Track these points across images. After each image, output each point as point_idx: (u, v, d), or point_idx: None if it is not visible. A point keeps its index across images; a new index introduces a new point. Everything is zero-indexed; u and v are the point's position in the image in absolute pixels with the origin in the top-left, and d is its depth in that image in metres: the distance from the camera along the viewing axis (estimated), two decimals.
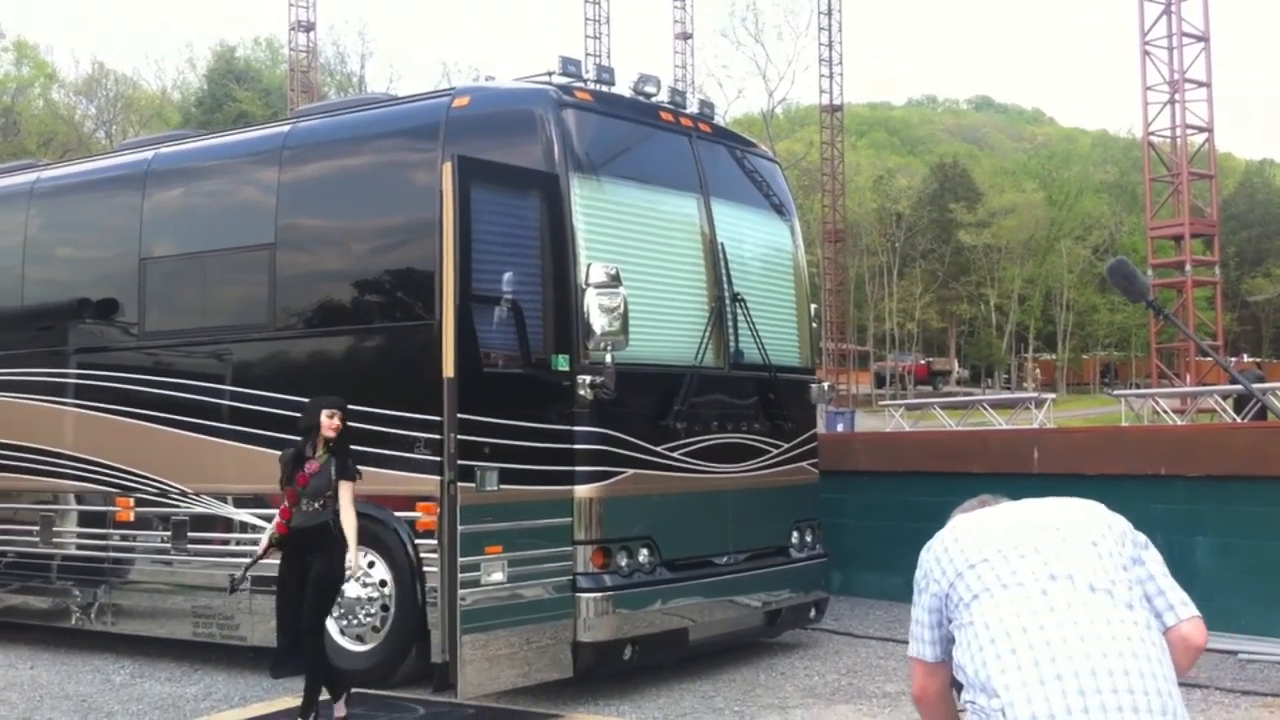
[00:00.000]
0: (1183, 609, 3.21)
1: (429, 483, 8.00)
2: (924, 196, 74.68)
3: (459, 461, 7.36)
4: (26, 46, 57.31)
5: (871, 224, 68.92)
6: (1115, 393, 12.61)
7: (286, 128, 9.82)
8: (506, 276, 7.91)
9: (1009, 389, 61.84)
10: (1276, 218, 73.01)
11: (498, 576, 7.37)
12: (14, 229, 10.77)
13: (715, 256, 8.79)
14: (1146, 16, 25.69)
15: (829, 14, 49.83)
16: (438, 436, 7.98)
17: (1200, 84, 25.62)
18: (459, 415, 7.37)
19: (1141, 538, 3.30)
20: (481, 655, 7.23)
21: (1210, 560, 9.63)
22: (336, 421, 7.18)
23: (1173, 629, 3.19)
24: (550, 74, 8.60)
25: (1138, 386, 31.72)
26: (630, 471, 7.89)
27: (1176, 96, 25.48)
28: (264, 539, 7.51)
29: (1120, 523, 3.28)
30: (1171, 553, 9.62)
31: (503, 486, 7.47)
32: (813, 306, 10.26)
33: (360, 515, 8.23)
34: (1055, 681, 2.91)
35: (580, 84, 8.60)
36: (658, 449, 8.11)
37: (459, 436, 7.37)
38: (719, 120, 10.70)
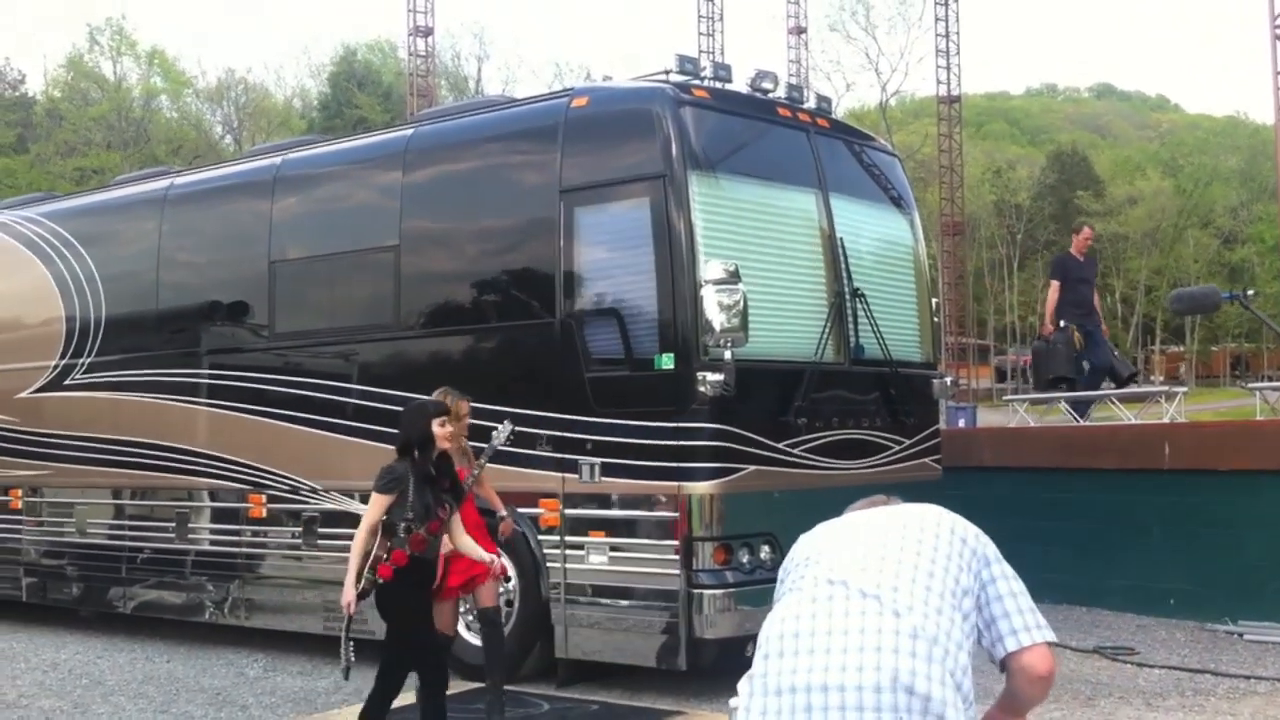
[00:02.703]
0: (1025, 635, 3.05)
1: (551, 479, 8.09)
2: (1043, 187, 73.24)
3: (562, 456, 8.02)
4: (161, 56, 58.99)
5: (990, 216, 67.85)
6: (1249, 385, 12.22)
7: (409, 131, 9.99)
8: (622, 280, 8.10)
9: (1137, 383, 60.35)
10: None
11: (599, 559, 7.91)
12: (149, 234, 11.11)
13: (835, 251, 8.72)
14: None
15: (945, 4, 49.14)
16: (559, 434, 8.08)
17: None
18: (562, 415, 8.00)
19: (996, 553, 3.14)
20: (580, 623, 7.86)
21: None
22: (450, 428, 6.37)
23: (1012, 655, 3.03)
24: (667, 72, 8.61)
25: (1269, 379, 30.75)
26: (752, 468, 7.87)
27: None
28: (351, 589, 6.10)
29: (972, 538, 3.13)
30: None
31: (605, 479, 7.88)
32: (934, 301, 10.12)
33: (483, 512, 8.37)
34: (789, 694, 2.86)
35: (697, 82, 8.60)
36: (779, 445, 8.07)
37: (564, 434, 8.01)
38: (835, 114, 10.62)
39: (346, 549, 9.18)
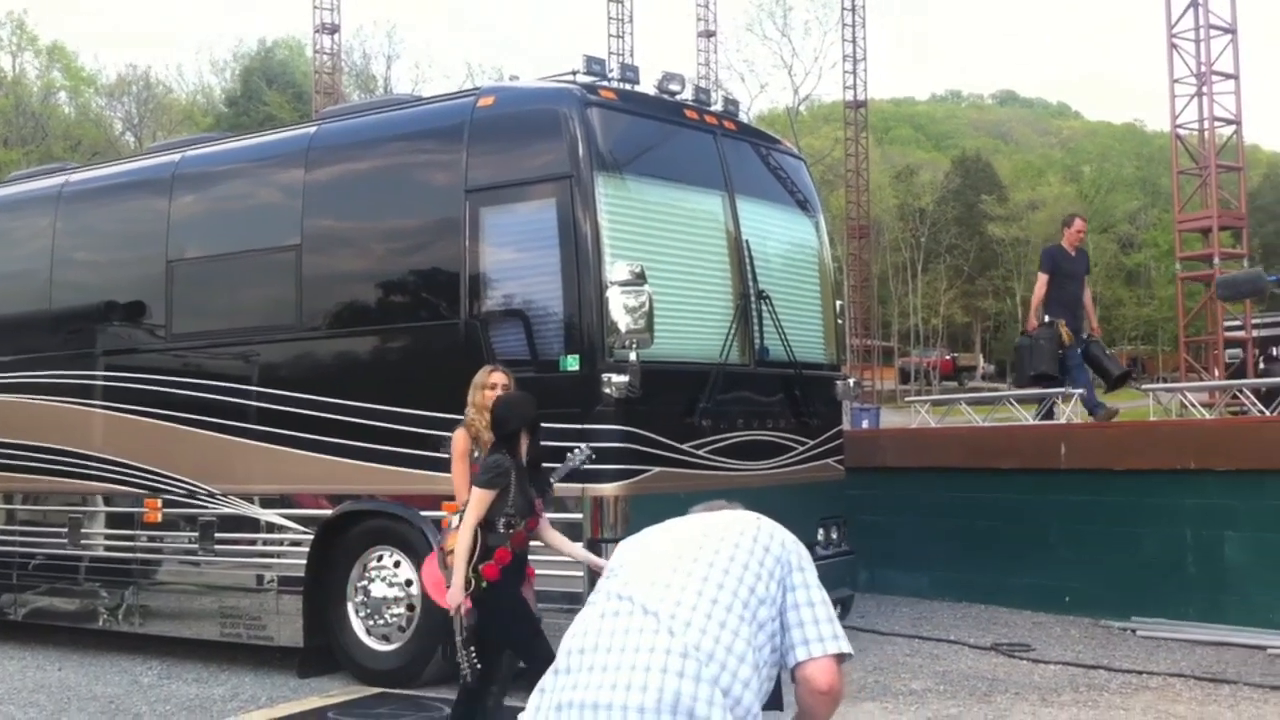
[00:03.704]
0: (816, 646, 3.00)
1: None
2: (947, 192, 74.44)
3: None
4: (61, 51, 57.65)
5: (895, 220, 68.76)
6: (1144, 387, 12.50)
7: (312, 129, 9.86)
8: (527, 281, 8.06)
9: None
10: None
11: None
12: (43, 232, 10.83)
13: (741, 254, 8.76)
14: (1173, 9, 25.53)
15: (853, 10, 49.70)
16: None
17: (1228, 76, 25.43)
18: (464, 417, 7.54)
19: (801, 561, 3.11)
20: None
21: (1240, 555, 9.55)
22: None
23: (797, 667, 3.00)
24: (575, 73, 8.58)
25: (1165, 380, 31.45)
26: (657, 469, 7.88)
27: (1204, 89, 25.30)
28: (460, 592, 5.91)
29: (777, 546, 3.10)
30: (1201, 548, 9.65)
31: None
32: (838, 303, 10.23)
33: (384, 515, 8.29)
34: (566, 710, 2.87)
35: (605, 83, 8.59)
36: (684, 446, 8.09)
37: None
38: (743, 117, 10.68)
39: (245, 554, 9.20)
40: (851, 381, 10.23)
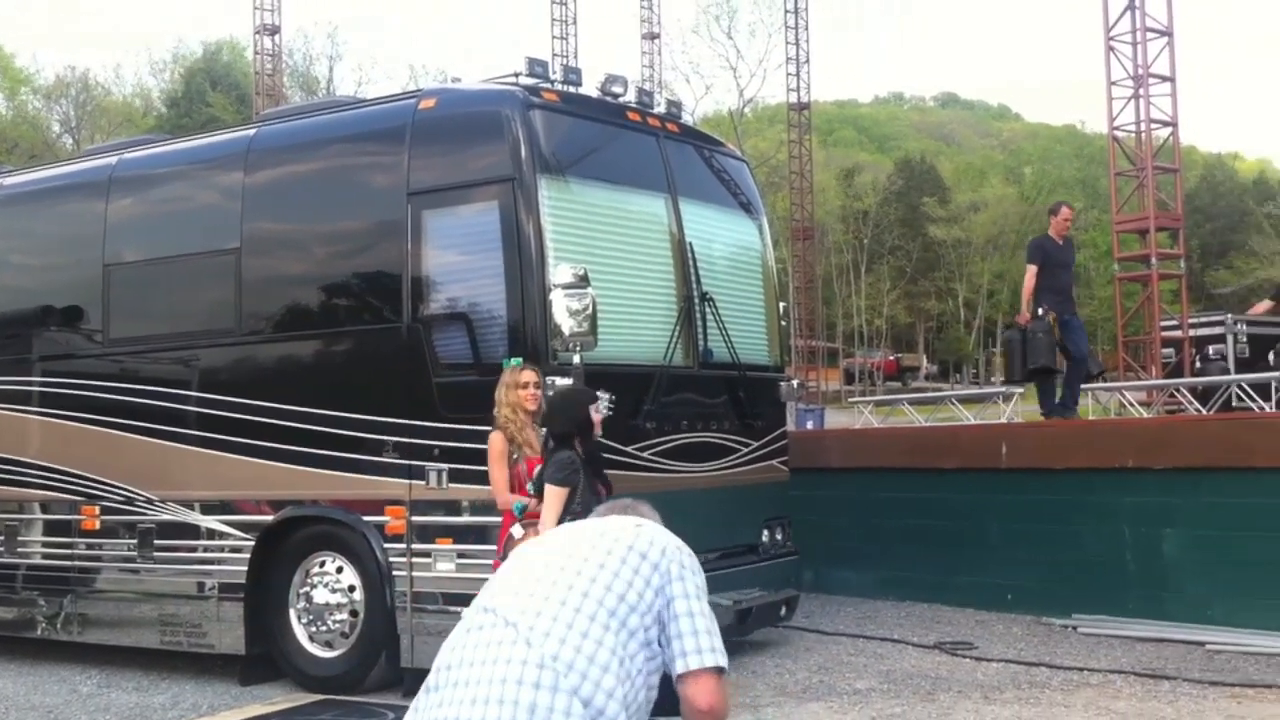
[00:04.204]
0: (694, 659, 2.94)
1: (397, 486, 7.98)
2: (890, 193, 74.98)
3: (409, 462, 7.89)
4: None
5: (838, 221, 69.16)
6: (1082, 386, 12.65)
7: (251, 131, 9.77)
8: (470, 284, 8.06)
9: (977, 384, 62.20)
10: (1239, 210, 73.58)
11: (446, 566, 7.83)
12: None
13: (684, 256, 8.78)
14: (1111, 12, 25.83)
15: (795, 12, 49.91)
16: (406, 440, 7.99)
17: (1164, 78, 25.76)
18: (409, 421, 7.95)
19: (682, 571, 3.04)
20: (428, 631, 7.70)
21: (1179, 552, 9.69)
22: (602, 414, 6.27)
23: (679, 680, 2.95)
24: (517, 75, 8.56)
25: (1104, 380, 31.83)
26: None
27: (1141, 91, 25.61)
28: None
29: (657, 553, 3.03)
30: (1140, 546, 9.77)
31: (453, 485, 7.79)
32: (781, 304, 10.27)
33: (326, 520, 8.23)
34: None
35: (547, 85, 8.57)
36: (628, 449, 8.09)
37: (411, 440, 7.93)
38: (687, 119, 10.70)
39: (185, 561, 9.08)
40: (795, 383, 10.28)
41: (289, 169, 9.25)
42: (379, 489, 8.08)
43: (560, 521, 5.80)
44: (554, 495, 5.82)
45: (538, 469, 6.37)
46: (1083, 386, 12.79)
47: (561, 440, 5.98)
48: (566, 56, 45.54)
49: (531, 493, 6.34)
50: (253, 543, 8.63)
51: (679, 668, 2.94)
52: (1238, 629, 9.07)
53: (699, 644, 2.95)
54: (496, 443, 7.00)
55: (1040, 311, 11.68)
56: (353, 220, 8.78)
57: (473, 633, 2.94)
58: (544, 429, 6.88)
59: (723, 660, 2.98)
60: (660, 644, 2.98)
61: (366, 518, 8.12)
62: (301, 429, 8.47)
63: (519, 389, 7.02)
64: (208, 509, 8.97)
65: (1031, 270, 11.99)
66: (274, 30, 47.56)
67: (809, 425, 26.58)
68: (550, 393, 7.17)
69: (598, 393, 6.90)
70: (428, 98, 8.70)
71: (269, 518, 8.62)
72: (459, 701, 2.81)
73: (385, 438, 8.10)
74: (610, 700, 2.80)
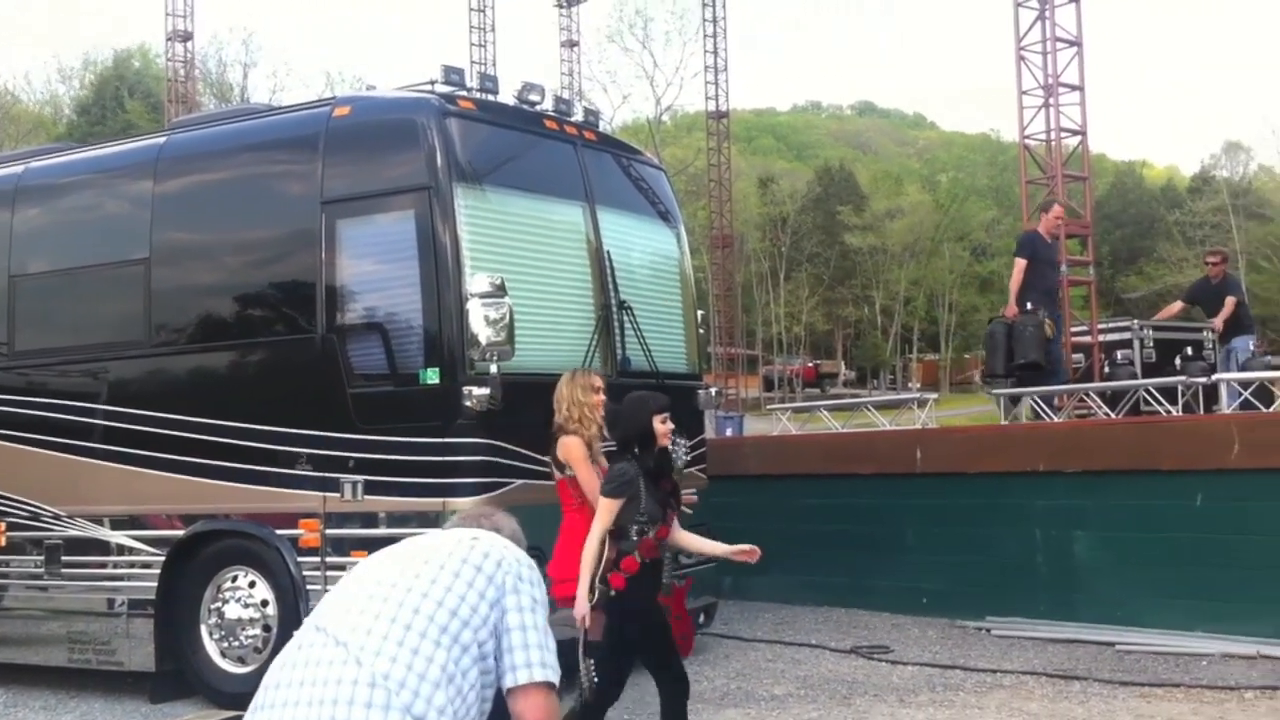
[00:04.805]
0: (523, 673, 2.94)
1: (311, 499, 7.90)
2: (808, 201, 75.68)
3: (323, 474, 7.76)
4: None
5: (757, 229, 69.63)
6: (992, 391, 12.84)
7: (162, 139, 9.61)
8: (385, 294, 7.99)
9: (894, 389, 62.92)
10: (1148, 217, 75.22)
11: None
12: None
13: (601, 264, 8.78)
14: (1022, 22, 26.26)
15: (714, 21, 50.19)
16: (320, 452, 7.90)
17: (1074, 88, 26.21)
18: (323, 432, 7.79)
19: (518, 584, 3.03)
20: None
21: (1089, 554, 9.87)
22: (670, 425, 5.99)
23: (509, 694, 2.95)
24: (433, 83, 8.52)
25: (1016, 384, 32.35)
26: (519, 482, 7.82)
27: (1051, 100, 26.05)
28: (585, 602, 5.70)
29: (492, 566, 3.02)
30: (1051, 548, 9.93)
31: (368, 497, 7.68)
32: (700, 312, 10.31)
33: (238, 534, 8.11)
34: None
35: (463, 93, 8.54)
36: (544, 458, 8.04)
37: (325, 452, 7.81)
38: (605, 127, 10.72)
39: (94, 578, 8.89)
40: (713, 391, 10.32)
41: (200, 177, 9.11)
42: (292, 502, 7.98)
43: (629, 534, 5.72)
44: (605, 506, 5.71)
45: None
46: (993, 391, 12.97)
47: (621, 448, 5.87)
48: (485, 64, 45.38)
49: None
50: (163, 558, 8.49)
51: (508, 681, 2.93)
52: (1146, 629, 9.26)
53: (529, 658, 2.94)
54: (576, 447, 6.64)
55: (1029, 307, 11.53)
56: (265, 229, 8.67)
57: (303, 650, 2.91)
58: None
59: (554, 675, 2.97)
60: (495, 658, 2.96)
61: (280, 531, 8.02)
62: (213, 442, 8.34)
63: (594, 392, 6.78)
64: (117, 524, 8.80)
65: (1020, 264, 11.79)
66: (186, 36, 46.84)
67: (728, 432, 26.74)
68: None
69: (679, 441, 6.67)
70: (342, 105, 8.63)
71: (180, 532, 8.48)
72: None
73: (299, 450, 8.00)
74: (442, 716, 2.78)
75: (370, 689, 2.75)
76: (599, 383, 6.90)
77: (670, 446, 6.39)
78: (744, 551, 5.93)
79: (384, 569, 3.06)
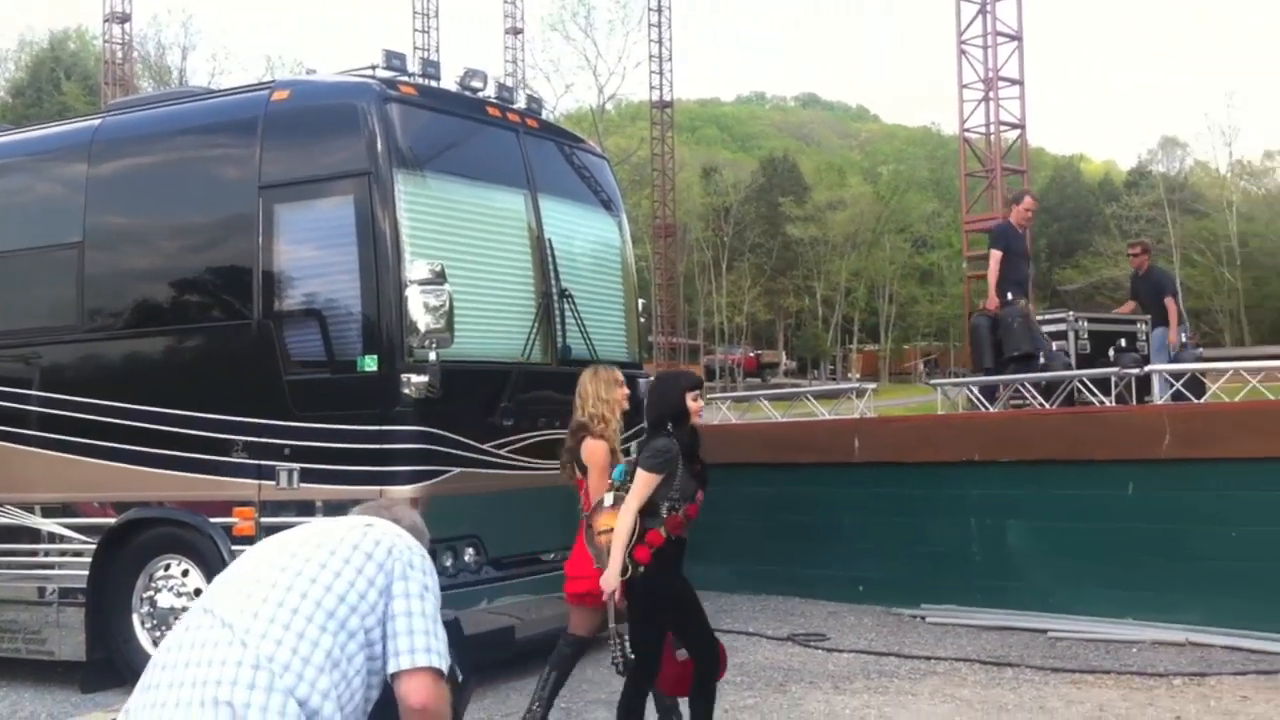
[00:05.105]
0: (406, 659, 2.96)
1: (247, 487, 7.83)
2: (751, 192, 75.96)
3: (259, 462, 7.65)
4: None
5: (700, 219, 69.78)
6: (931, 381, 12.97)
7: (97, 122, 9.47)
8: (324, 280, 7.91)
9: (835, 380, 63.32)
10: (1086, 210, 76.15)
11: None
12: None
13: (543, 252, 8.76)
14: (963, 16, 26.54)
15: (659, 10, 50.19)
16: (256, 439, 7.83)
17: (1014, 81, 26.56)
18: (259, 420, 7.70)
19: (407, 570, 3.05)
20: None
21: (1022, 543, 9.99)
22: (702, 403, 5.97)
23: (394, 679, 2.97)
24: (374, 68, 8.45)
25: (956, 375, 32.68)
26: (457, 470, 7.81)
27: (991, 94, 26.36)
28: (616, 577, 5.63)
29: (383, 553, 3.05)
30: (986, 537, 10.04)
31: (304, 485, 7.60)
32: (641, 301, 10.31)
33: (171, 522, 8.02)
34: None
35: (405, 78, 8.47)
36: (484, 446, 8.04)
37: (261, 439, 7.70)
38: (547, 115, 10.69)
39: (24, 566, 8.74)
40: (653, 379, 10.32)
41: (135, 161, 8.99)
42: (227, 490, 7.91)
43: (659, 511, 5.69)
44: (644, 480, 5.64)
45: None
46: (931, 381, 13.09)
47: (655, 427, 5.81)
48: (428, 50, 45.12)
49: (616, 482, 6.14)
50: (95, 546, 8.38)
51: (390, 666, 2.95)
52: (1078, 616, 9.39)
53: (413, 644, 2.96)
54: (601, 453, 6.52)
55: (1009, 298, 11.50)
56: (202, 214, 8.57)
57: (191, 632, 2.93)
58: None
59: (438, 661, 2.98)
60: (382, 644, 2.98)
61: (214, 519, 7.94)
62: (147, 428, 8.24)
63: (617, 387, 6.71)
64: (48, 512, 8.68)
65: (996, 256, 11.80)
66: (124, 18, 46.18)
67: None
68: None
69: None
70: (281, 89, 8.54)
71: (112, 520, 8.38)
72: (173, 703, 2.80)
73: (234, 437, 7.92)
74: (326, 701, 2.81)
75: (254, 670, 2.77)
76: (621, 377, 6.85)
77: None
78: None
79: (275, 553, 3.08)
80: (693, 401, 5.84)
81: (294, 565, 2.98)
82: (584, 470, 6.61)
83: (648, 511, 5.67)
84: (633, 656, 5.65)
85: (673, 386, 5.96)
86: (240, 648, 2.81)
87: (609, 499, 6.00)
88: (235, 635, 2.83)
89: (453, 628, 4.46)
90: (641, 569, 5.61)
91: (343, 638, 2.89)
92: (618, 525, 5.67)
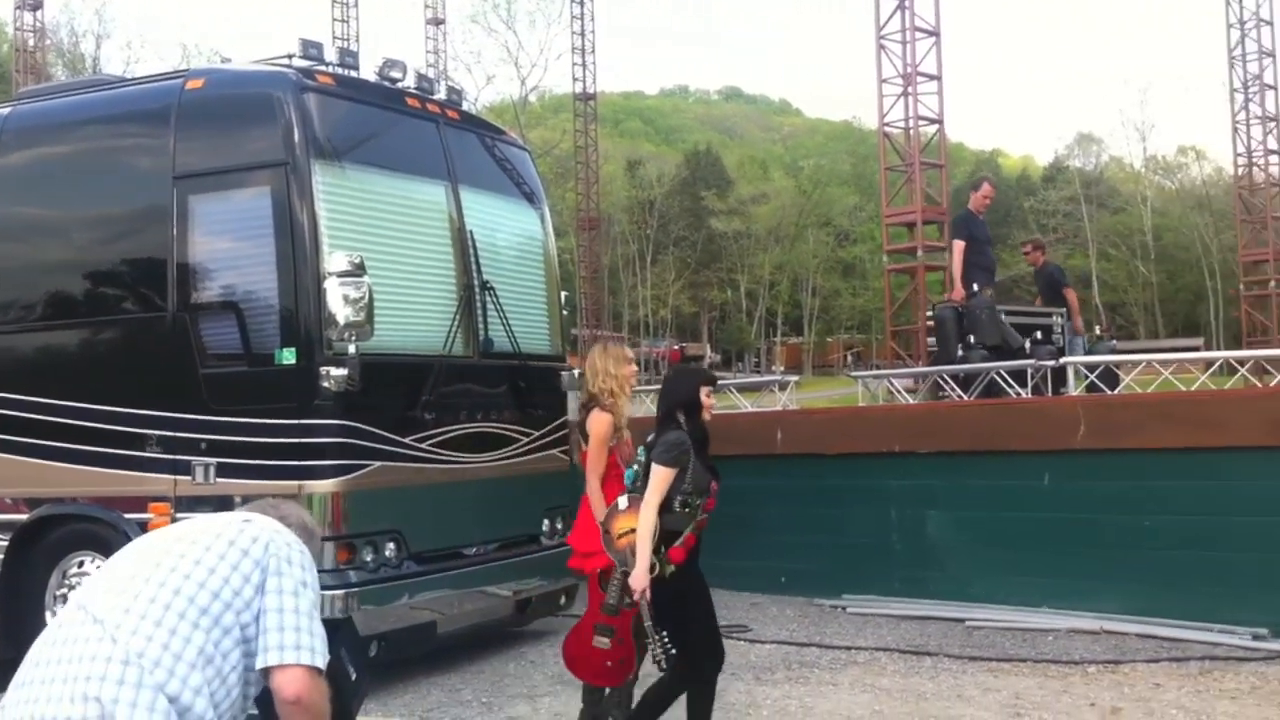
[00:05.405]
0: (274, 654, 2.96)
1: (162, 482, 7.69)
2: (676, 185, 76.12)
3: (174, 457, 7.53)
4: None
5: (624, 212, 69.82)
6: (852, 374, 13.08)
7: (6, 110, 9.24)
8: (240, 272, 7.78)
9: (759, 372, 63.70)
10: (1005, 205, 77.08)
11: None
12: None
13: (464, 244, 8.69)
14: (882, 11, 26.73)
15: (581, 2, 50.07)
16: (171, 434, 7.70)
17: (932, 77, 26.79)
18: (174, 414, 7.55)
19: (281, 566, 3.06)
20: None
21: (941, 533, 10.12)
22: (714, 400, 5.98)
23: (266, 673, 2.98)
24: (291, 57, 8.33)
25: (878, 367, 32.99)
26: (377, 464, 7.72)
27: (910, 89, 26.58)
28: (645, 576, 5.55)
29: (259, 549, 3.06)
30: (906, 527, 10.15)
31: (221, 480, 7.46)
32: (564, 294, 10.27)
33: (84, 518, 7.86)
34: None
35: (322, 67, 8.35)
36: (405, 440, 7.96)
37: (176, 434, 7.53)
38: (468, 107, 10.61)
39: None
40: (576, 373, 10.30)
41: (45, 150, 8.80)
42: (142, 485, 7.76)
43: (672, 506, 5.65)
44: (660, 475, 5.60)
45: (640, 449, 6.09)
46: (852, 373, 13.21)
47: (665, 418, 5.80)
48: (347, 40, 44.65)
49: (628, 486, 6.09)
50: (6, 543, 8.19)
51: (259, 662, 2.95)
52: (996, 606, 9.53)
53: (283, 640, 2.96)
54: (603, 425, 6.57)
55: (976, 288, 11.42)
56: (115, 205, 8.41)
57: (63, 628, 2.93)
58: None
59: (309, 659, 2.97)
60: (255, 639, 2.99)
61: (128, 515, 7.78)
62: (60, 423, 8.07)
63: (626, 363, 6.71)
64: None
65: (959, 246, 11.69)
66: (36, 5, 45.20)
67: None
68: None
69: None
70: (195, 78, 8.39)
71: (24, 516, 8.19)
72: (44, 699, 2.80)
73: (149, 431, 7.78)
74: (198, 697, 2.81)
75: (124, 666, 2.77)
76: (630, 354, 6.91)
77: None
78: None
79: (151, 549, 3.08)
80: (706, 397, 5.86)
81: (168, 561, 2.97)
82: (588, 440, 6.68)
83: (665, 509, 5.64)
84: (674, 651, 5.63)
85: (689, 379, 6.05)
86: (110, 644, 2.81)
87: (623, 502, 5.97)
88: (106, 631, 2.83)
89: (346, 626, 4.43)
90: (672, 568, 5.60)
91: (217, 634, 2.89)
92: (640, 524, 5.64)
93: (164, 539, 3.11)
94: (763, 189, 74.93)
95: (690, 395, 5.83)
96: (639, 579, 5.55)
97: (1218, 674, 7.60)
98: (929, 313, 12.50)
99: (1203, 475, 8.85)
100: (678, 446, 5.64)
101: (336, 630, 3.31)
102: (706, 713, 5.82)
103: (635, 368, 6.87)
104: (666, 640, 5.56)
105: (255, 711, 3.12)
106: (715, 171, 78.68)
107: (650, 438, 5.89)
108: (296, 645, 2.95)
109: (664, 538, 5.61)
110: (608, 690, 6.55)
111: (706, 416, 5.87)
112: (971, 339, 11.54)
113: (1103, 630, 8.80)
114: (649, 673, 6.07)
